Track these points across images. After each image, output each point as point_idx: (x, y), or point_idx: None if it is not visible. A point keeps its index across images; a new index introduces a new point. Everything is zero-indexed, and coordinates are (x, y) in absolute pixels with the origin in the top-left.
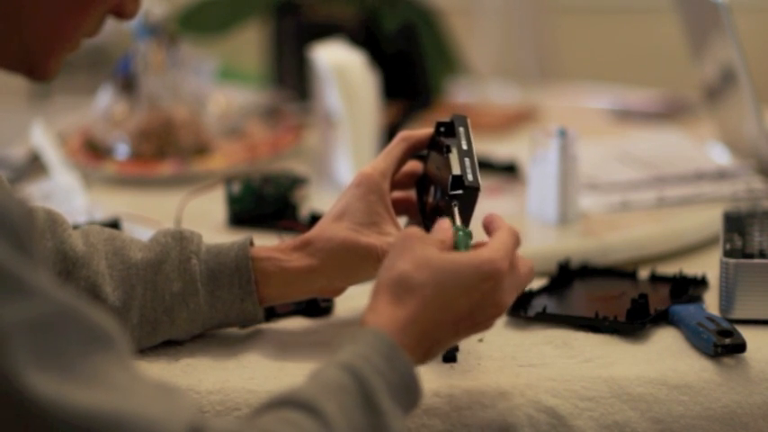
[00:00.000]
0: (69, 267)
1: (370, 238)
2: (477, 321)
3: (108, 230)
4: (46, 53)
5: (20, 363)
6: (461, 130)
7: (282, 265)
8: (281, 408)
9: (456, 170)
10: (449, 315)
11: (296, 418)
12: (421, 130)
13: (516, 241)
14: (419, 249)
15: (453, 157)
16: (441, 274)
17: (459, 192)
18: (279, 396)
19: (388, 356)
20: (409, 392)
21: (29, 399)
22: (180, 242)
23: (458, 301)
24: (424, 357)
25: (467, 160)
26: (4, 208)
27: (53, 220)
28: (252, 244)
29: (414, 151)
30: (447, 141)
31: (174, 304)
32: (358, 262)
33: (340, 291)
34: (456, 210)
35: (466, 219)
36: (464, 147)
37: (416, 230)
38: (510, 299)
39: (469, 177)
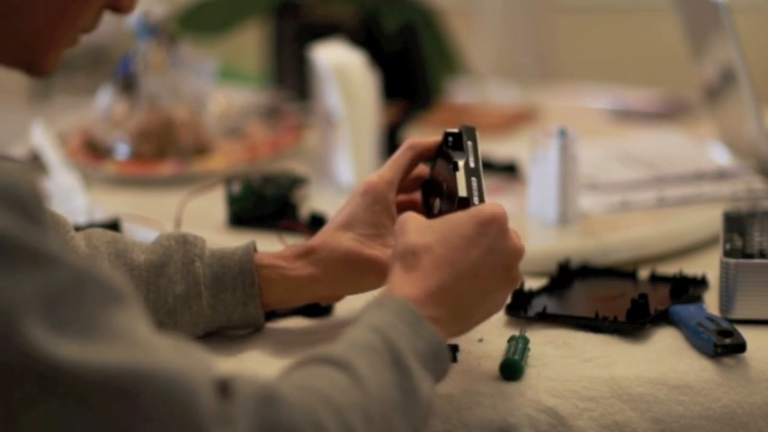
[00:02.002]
0: None
1: (374, 251)
2: (497, 272)
3: (110, 233)
4: (44, 48)
5: (42, 334)
6: (470, 144)
7: (285, 273)
8: (311, 364)
9: (462, 191)
10: (463, 268)
11: (327, 372)
12: (428, 138)
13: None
14: (416, 220)
15: (461, 176)
16: (442, 232)
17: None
18: (308, 355)
19: (412, 324)
20: (437, 360)
21: (56, 367)
22: (183, 245)
23: (467, 252)
24: (457, 321)
25: (474, 180)
26: (10, 181)
27: (56, 222)
28: (255, 249)
29: (420, 159)
30: (455, 156)
31: (176, 306)
32: (361, 273)
33: (341, 297)
34: None
35: None
36: (471, 164)
37: (412, 213)
38: (520, 243)
39: (475, 201)
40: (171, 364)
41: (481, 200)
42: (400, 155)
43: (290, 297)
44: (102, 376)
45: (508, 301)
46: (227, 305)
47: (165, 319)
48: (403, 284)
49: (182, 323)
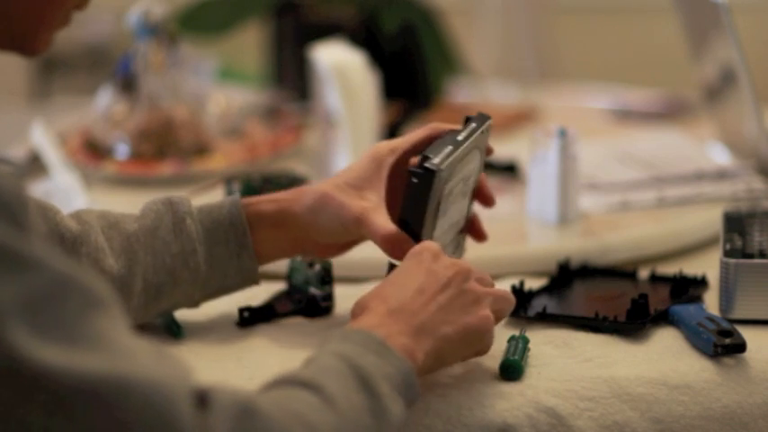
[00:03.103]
0: (68, 248)
1: (346, 197)
2: (447, 288)
3: (97, 209)
4: (34, 28)
5: (24, 338)
6: (473, 125)
7: (267, 207)
8: (283, 386)
9: (428, 150)
10: (411, 290)
11: (299, 393)
12: (449, 125)
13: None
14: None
15: (440, 141)
16: (385, 280)
17: (418, 170)
18: (278, 377)
19: (378, 351)
20: (406, 383)
21: (38, 372)
22: (170, 207)
23: (409, 276)
24: (422, 336)
25: (449, 148)
26: None
27: (43, 207)
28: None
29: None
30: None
31: (174, 265)
32: (329, 216)
33: (326, 250)
34: (410, 188)
35: (418, 203)
36: (459, 138)
37: None
38: (462, 262)
39: (435, 160)
40: (151, 373)
41: (440, 162)
42: (418, 131)
43: (278, 234)
44: (83, 383)
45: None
46: (222, 259)
47: (166, 278)
48: (363, 319)
49: (181, 281)
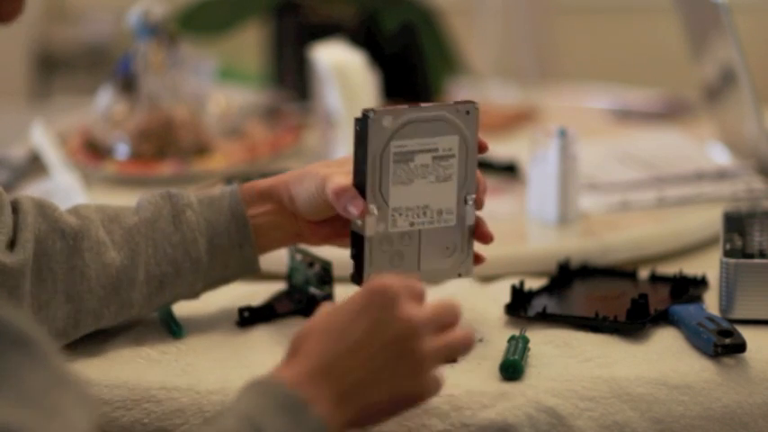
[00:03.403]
0: (70, 242)
1: (324, 167)
2: (390, 349)
3: (93, 204)
4: None
5: None
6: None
7: (260, 184)
8: None
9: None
10: (347, 341)
11: None
12: None
13: (442, 311)
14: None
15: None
16: (329, 311)
17: (358, 117)
18: None
19: (287, 407)
20: None
21: None
22: (169, 199)
23: (353, 324)
24: (348, 402)
25: (402, 107)
26: None
27: (40, 205)
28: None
29: None
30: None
31: (176, 255)
32: (307, 184)
33: (317, 231)
34: (354, 137)
35: (357, 152)
36: (421, 105)
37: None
38: (418, 318)
39: (374, 111)
40: (45, 428)
41: (383, 114)
42: None
43: (270, 221)
44: None
45: (508, 301)
46: (224, 249)
47: (168, 268)
48: (282, 368)
49: (183, 271)
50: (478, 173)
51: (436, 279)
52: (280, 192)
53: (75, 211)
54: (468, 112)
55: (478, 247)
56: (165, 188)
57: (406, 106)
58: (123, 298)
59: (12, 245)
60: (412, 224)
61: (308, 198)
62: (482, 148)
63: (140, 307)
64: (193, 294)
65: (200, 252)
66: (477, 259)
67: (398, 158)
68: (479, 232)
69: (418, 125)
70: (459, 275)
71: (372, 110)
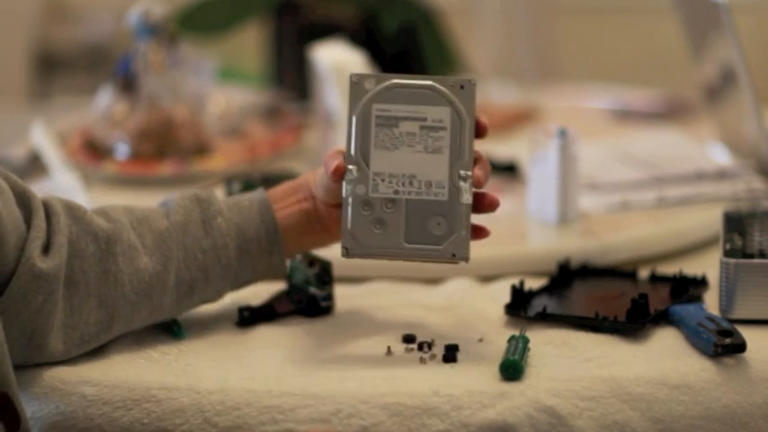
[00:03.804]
0: (103, 246)
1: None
2: None
3: (120, 205)
4: None
5: None
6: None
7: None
8: None
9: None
10: None
11: None
12: None
13: None
14: None
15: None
16: None
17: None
18: None
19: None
20: None
21: None
22: (198, 204)
23: None
24: None
25: (389, 75)
26: None
27: (69, 206)
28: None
29: None
30: None
31: (206, 261)
32: (320, 169)
33: (332, 214)
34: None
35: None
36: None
37: None
38: None
39: (358, 74)
40: None
41: (365, 76)
42: None
43: (302, 237)
44: None
45: (508, 301)
46: (254, 256)
47: (198, 274)
48: None
49: (213, 277)
50: (481, 153)
51: (429, 259)
52: (301, 185)
53: (104, 213)
54: (462, 87)
55: (483, 220)
56: (192, 190)
57: (391, 75)
58: (154, 303)
59: (46, 249)
60: (396, 192)
61: (321, 177)
62: (481, 129)
63: (169, 312)
64: (218, 297)
65: (230, 257)
66: (481, 232)
67: (381, 122)
68: (484, 201)
69: (403, 91)
70: (454, 256)
71: (357, 73)
